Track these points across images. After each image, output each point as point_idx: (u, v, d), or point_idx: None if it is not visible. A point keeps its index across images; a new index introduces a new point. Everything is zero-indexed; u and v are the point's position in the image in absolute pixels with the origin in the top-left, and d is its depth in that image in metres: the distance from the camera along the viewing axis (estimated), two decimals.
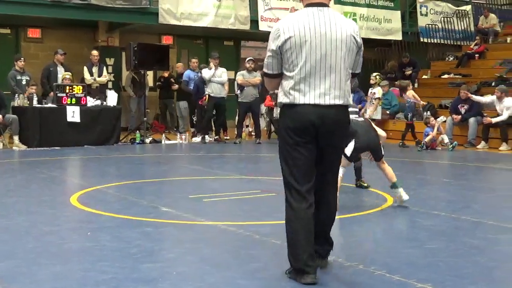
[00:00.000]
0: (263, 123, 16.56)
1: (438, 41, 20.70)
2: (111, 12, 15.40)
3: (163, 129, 16.32)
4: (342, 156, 4.91)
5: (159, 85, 17.29)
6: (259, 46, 23.88)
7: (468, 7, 21.40)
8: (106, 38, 17.33)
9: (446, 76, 18.90)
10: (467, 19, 21.23)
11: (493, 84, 16.44)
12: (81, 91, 13.21)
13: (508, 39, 20.30)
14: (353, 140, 6.38)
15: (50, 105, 13.17)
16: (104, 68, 15.25)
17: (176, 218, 6.07)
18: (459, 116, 14.53)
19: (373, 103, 13.65)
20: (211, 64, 14.43)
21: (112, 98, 14.12)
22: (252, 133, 15.91)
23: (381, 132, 6.96)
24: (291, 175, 4.12)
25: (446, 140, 13.75)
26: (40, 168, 9.59)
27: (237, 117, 15.34)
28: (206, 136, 14.64)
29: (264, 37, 19.58)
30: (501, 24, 21.69)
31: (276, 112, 14.78)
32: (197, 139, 14.74)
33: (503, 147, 13.88)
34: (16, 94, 13.16)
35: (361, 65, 4.28)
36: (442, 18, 20.64)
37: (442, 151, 13.47)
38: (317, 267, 4.11)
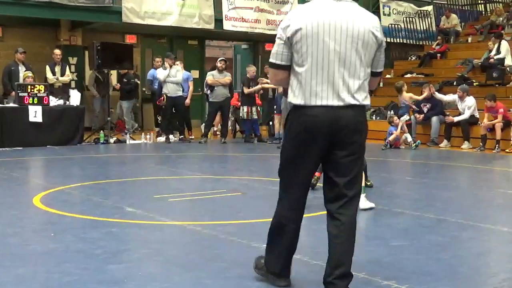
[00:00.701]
0: (228, 122, 16.57)
1: (401, 41, 20.95)
2: (73, 10, 15.22)
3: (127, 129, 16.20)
4: None
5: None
6: (223, 46, 23.94)
7: (429, 8, 21.71)
8: (68, 37, 17.13)
9: (409, 75, 19.12)
10: (429, 19, 21.54)
11: (454, 83, 16.70)
12: (43, 91, 13.04)
13: (469, 39, 20.64)
14: None
15: (11, 104, 12.97)
16: (67, 67, 15.06)
17: (141, 219, 6.03)
18: (422, 115, 14.72)
19: None
20: (166, 64, 14.37)
21: (75, 98, 13.97)
22: (217, 133, 15.89)
23: None
24: (290, 183, 3.80)
25: (410, 139, 13.92)
26: (1, 169, 9.44)
27: (206, 116, 15.30)
28: (171, 136, 14.60)
29: (228, 36, 19.77)
30: (462, 24, 22.06)
31: (243, 111, 14.81)
32: (162, 138, 14.67)
33: (465, 145, 14.10)
34: None
35: (383, 63, 3.89)
36: (405, 18, 20.90)
37: (406, 150, 13.63)
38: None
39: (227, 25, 17.30)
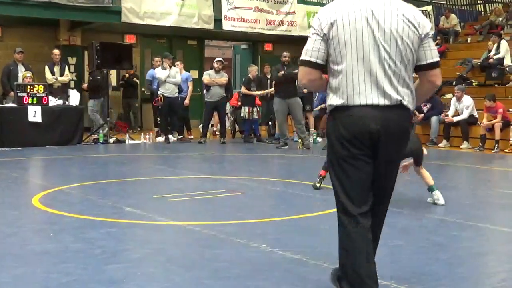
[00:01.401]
0: (227, 122, 16.58)
1: None
2: (73, 10, 15.23)
3: (127, 129, 16.19)
4: None
5: (122, 84, 17.21)
6: (222, 46, 23.95)
7: (429, 8, 21.69)
8: (68, 37, 17.14)
9: None
10: (428, 19, 21.46)
11: (454, 83, 16.71)
12: (42, 91, 13.03)
13: (469, 39, 20.64)
14: None
15: (10, 104, 12.96)
16: (66, 67, 15.07)
17: (141, 219, 6.03)
18: (422, 115, 14.73)
19: None
20: (165, 64, 14.35)
21: (74, 98, 13.97)
22: (217, 133, 15.89)
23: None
24: (345, 195, 3.41)
25: None
26: (0, 169, 9.43)
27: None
28: (170, 136, 14.59)
29: (228, 36, 19.76)
30: (462, 24, 22.05)
31: (244, 111, 14.81)
32: (161, 138, 14.66)
33: (464, 145, 14.11)
34: None
35: (433, 53, 3.42)
36: None
37: None
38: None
39: (227, 25, 17.29)
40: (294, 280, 4.07)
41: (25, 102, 12.78)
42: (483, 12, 23.81)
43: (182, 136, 14.92)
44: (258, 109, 15.30)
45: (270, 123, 15.77)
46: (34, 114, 12.77)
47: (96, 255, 4.66)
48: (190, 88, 15.16)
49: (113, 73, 16.94)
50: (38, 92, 12.93)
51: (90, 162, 10.95)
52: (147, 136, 14.51)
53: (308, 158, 12.29)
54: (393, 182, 3.55)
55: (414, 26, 3.34)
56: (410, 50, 3.33)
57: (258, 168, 10.69)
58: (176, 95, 14.46)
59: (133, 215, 6.18)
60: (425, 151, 7.01)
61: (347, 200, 3.40)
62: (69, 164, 10.79)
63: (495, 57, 17.00)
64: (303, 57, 3.40)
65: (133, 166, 10.72)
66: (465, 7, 23.89)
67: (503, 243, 5.55)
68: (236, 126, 16.56)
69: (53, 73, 14.50)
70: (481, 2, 24.11)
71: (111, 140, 14.08)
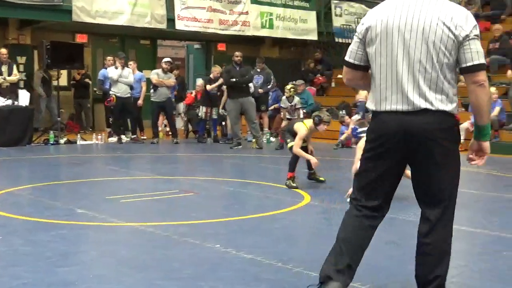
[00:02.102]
0: (181, 122, 16.50)
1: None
2: (22, 8, 14.90)
3: (78, 129, 15.98)
4: None
5: (73, 84, 16.99)
6: (176, 45, 23.78)
7: None
8: (17, 36, 16.81)
9: None
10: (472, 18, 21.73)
11: None
12: None
13: None
14: None
15: None
16: (15, 66, 14.73)
17: (93, 220, 5.96)
18: None
19: (299, 113, 13.76)
20: (117, 64, 14.22)
21: (24, 98, 13.72)
22: (169, 133, 15.80)
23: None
24: (359, 190, 3.56)
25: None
26: None
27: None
28: (123, 136, 14.47)
29: (181, 36, 19.68)
30: None
31: (201, 111, 14.73)
32: (113, 139, 14.52)
33: None
34: None
35: (479, 54, 3.26)
36: (356, 19, 21.11)
37: None
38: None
39: (180, 25, 17.21)
40: (247, 280, 4.08)
41: None
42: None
43: (135, 137, 14.79)
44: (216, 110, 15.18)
45: (223, 123, 15.75)
46: None
47: (47, 258, 4.58)
48: (144, 88, 15.05)
49: (64, 73, 16.68)
50: None
51: (40, 164, 10.77)
52: (99, 137, 14.35)
53: (261, 157, 12.33)
54: (442, 185, 3.47)
55: (449, 29, 3.23)
56: (444, 54, 3.25)
57: (211, 168, 10.68)
58: (129, 95, 14.35)
59: (84, 217, 6.10)
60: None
61: (359, 194, 3.55)
62: (19, 165, 10.60)
63: None
64: (345, 57, 3.54)
65: (85, 167, 10.58)
66: None
67: (456, 241, 5.63)
68: (190, 126, 16.49)
69: (0, 73, 14.20)
70: None
71: (62, 141, 13.87)
